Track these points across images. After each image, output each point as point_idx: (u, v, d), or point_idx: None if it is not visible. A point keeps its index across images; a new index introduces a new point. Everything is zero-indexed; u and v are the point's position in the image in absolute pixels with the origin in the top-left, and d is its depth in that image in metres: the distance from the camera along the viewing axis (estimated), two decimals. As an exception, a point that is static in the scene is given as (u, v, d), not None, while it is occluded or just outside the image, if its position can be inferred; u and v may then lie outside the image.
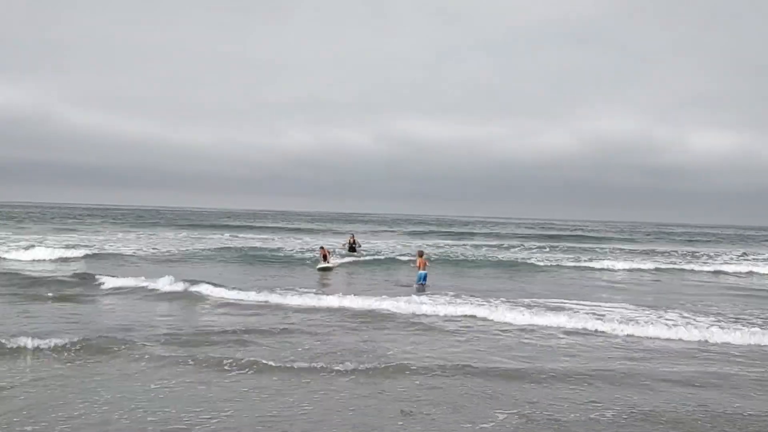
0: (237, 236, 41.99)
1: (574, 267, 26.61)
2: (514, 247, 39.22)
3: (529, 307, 13.67)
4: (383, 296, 14.83)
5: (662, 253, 36.79)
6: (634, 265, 27.20)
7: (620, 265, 27.18)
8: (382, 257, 27.33)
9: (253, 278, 19.74)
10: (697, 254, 36.49)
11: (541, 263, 27.18)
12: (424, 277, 18.18)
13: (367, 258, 26.51)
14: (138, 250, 27.23)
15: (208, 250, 28.73)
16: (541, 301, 14.99)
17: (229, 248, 29.80)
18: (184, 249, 28.46)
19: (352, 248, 27.41)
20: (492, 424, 6.38)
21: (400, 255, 28.21)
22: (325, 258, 22.82)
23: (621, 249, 41.06)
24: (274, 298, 14.52)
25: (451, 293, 15.74)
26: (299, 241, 38.96)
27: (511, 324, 12.20)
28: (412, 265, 19.80)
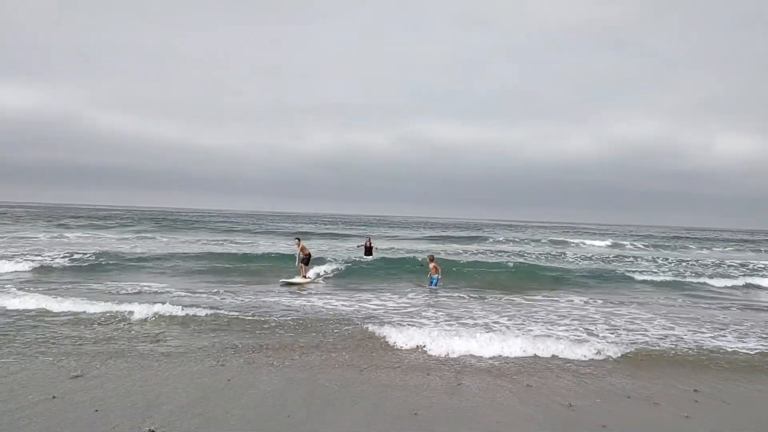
0: (236, 241, 40.68)
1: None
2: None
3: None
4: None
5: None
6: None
7: None
8: (397, 259, 25.98)
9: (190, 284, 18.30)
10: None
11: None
12: (436, 282, 18.43)
13: (380, 260, 25.15)
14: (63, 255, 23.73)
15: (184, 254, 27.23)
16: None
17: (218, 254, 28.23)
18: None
19: (369, 251, 26.11)
20: None
21: (415, 258, 26.92)
22: (306, 260, 18.96)
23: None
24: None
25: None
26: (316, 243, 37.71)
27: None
28: (430, 278, 18.55)
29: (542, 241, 54.37)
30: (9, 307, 11.98)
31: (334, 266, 22.16)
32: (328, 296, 15.81)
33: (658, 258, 36.99)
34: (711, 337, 11.52)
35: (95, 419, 6.06)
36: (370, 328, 10.94)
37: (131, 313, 11.53)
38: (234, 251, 29.45)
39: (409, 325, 11.47)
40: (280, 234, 51.58)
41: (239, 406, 6.60)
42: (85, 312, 11.76)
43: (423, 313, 13.32)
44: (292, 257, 21.12)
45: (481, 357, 9.30)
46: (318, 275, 20.38)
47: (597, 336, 11.14)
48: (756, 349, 10.46)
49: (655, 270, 28.00)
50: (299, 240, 19.67)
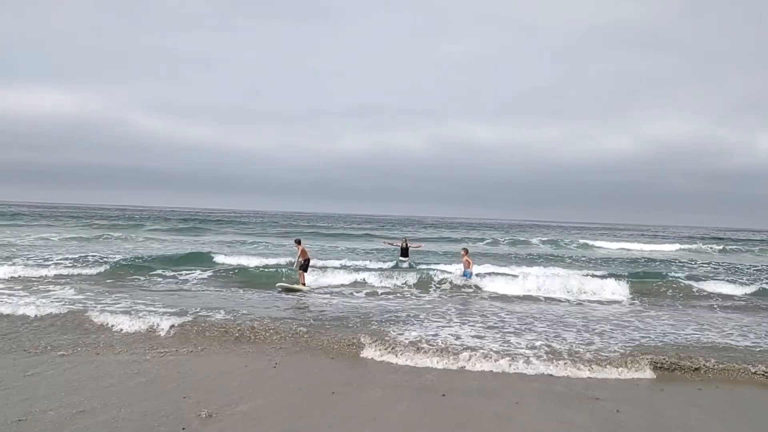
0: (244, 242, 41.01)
1: None
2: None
3: None
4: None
5: None
6: None
7: None
8: (426, 261, 26.21)
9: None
10: None
11: None
12: (470, 275, 18.80)
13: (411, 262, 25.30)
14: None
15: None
16: None
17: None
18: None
19: (405, 252, 25.86)
20: None
21: (441, 255, 27.16)
22: (304, 266, 17.40)
23: None
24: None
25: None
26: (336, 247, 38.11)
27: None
28: (464, 272, 18.75)
29: (565, 242, 53.71)
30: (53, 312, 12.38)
31: (358, 274, 20.11)
32: (348, 296, 16.26)
33: (697, 261, 36.15)
34: (718, 336, 11.52)
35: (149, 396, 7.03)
36: (389, 325, 11.50)
37: (170, 317, 11.69)
38: (262, 251, 30.29)
39: (425, 323, 11.95)
40: (312, 234, 52.33)
41: (286, 388, 7.51)
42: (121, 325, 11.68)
43: (438, 310, 13.91)
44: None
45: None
46: (354, 282, 19.03)
47: (602, 336, 11.21)
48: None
49: (689, 269, 27.55)
50: (299, 242, 17.94)
